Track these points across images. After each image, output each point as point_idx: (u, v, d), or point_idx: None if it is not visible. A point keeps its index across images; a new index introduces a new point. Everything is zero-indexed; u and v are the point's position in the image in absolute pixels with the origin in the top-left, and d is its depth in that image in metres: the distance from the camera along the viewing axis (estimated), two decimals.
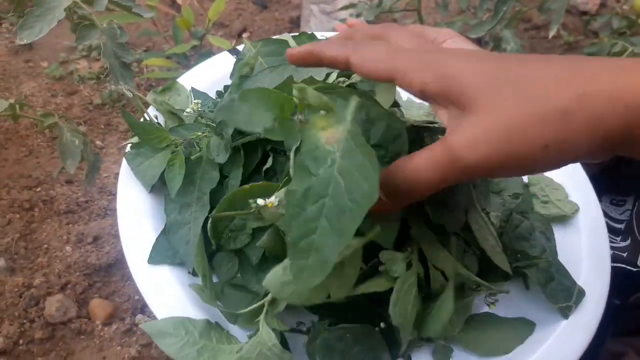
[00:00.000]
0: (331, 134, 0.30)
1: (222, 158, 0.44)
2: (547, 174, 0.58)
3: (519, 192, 0.56)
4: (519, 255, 0.49)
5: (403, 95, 0.62)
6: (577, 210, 0.57)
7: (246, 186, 0.41)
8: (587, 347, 0.47)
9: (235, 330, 0.43)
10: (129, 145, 0.50)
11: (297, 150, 0.34)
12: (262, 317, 0.40)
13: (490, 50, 1.40)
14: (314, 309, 0.44)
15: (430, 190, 0.32)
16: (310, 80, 0.45)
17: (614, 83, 0.28)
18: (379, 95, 0.42)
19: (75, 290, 1.01)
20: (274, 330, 0.39)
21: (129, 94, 0.54)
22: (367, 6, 1.15)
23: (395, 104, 0.47)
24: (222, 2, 1.13)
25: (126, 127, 1.38)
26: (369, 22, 1.13)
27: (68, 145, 0.72)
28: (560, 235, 0.55)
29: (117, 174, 0.51)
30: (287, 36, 0.58)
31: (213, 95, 0.57)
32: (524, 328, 0.48)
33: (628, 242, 0.68)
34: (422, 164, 0.32)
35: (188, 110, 0.51)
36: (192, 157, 0.46)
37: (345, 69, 0.37)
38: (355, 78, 0.52)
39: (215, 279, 0.46)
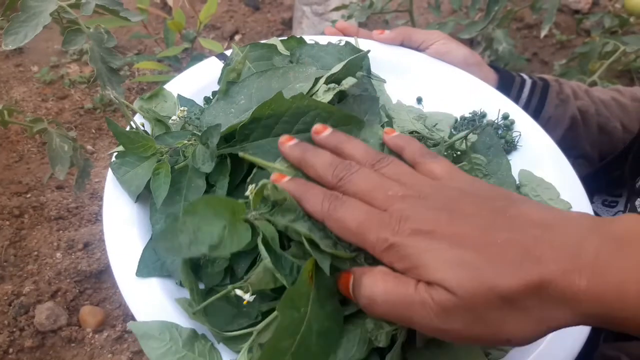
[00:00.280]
0: None
1: (207, 167, 0.43)
2: (538, 173, 0.58)
3: None
4: None
5: (393, 98, 0.62)
6: (569, 208, 0.56)
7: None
8: (579, 353, 0.46)
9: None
10: (115, 154, 0.49)
11: None
12: (246, 346, 0.39)
13: (482, 51, 1.40)
14: None
15: None
16: (300, 97, 0.44)
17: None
18: None
19: (65, 298, 1.00)
20: None
21: (116, 100, 0.53)
22: (359, 7, 1.14)
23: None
24: (214, 4, 1.12)
25: None
26: (360, 23, 1.12)
27: (57, 151, 0.71)
28: None
29: None
30: (275, 40, 0.58)
31: (201, 101, 0.56)
32: None
33: None
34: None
35: (174, 117, 0.50)
36: (177, 167, 0.45)
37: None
38: (344, 85, 0.51)
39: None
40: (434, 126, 0.60)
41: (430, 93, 0.64)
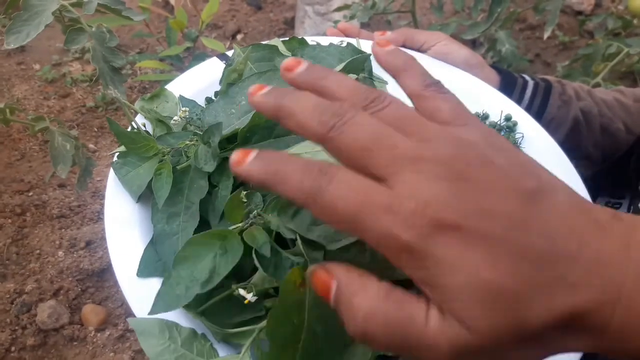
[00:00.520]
0: None
1: (210, 167, 0.43)
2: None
3: None
4: None
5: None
6: None
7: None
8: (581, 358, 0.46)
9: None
10: (117, 154, 0.49)
11: None
12: (247, 343, 0.39)
13: (485, 52, 1.40)
14: None
15: None
16: None
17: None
18: None
19: (67, 296, 1.00)
20: None
21: (120, 98, 0.53)
22: (362, 7, 1.14)
23: None
24: (216, 3, 1.12)
25: None
26: (363, 23, 1.12)
27: (59, 149, 0.71)
28: None
29: None
30: (277, 41, 0.57)
31: (203, 101, 0.56)
32: None
33: None
34: None
35: (175, 118, 0.50)
36: (179, 167, 0.45)
37: None
38: None
39: None
40: None
41: None
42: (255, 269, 0.42)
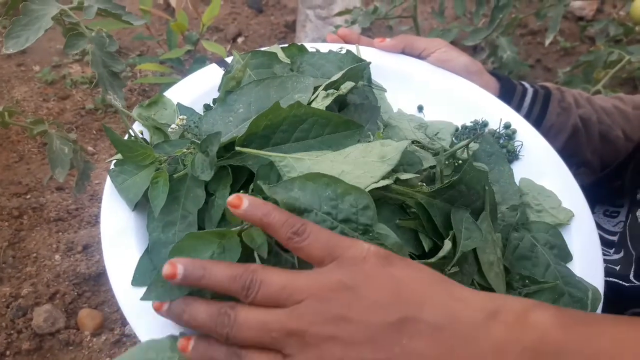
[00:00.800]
0: None
1: (206, 175, 0.43)
2: (540, 183, 0.57)
3: (516, 203, 0.54)
4: (526, 281, 0.48)
5: (394, 107, 0.61)
6: (572, 217, 0.55)
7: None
8: None
9: None
10: (114, 162, 0.49)
11: None
12: None
13: (485, 57, 1.39)
14: None
15: None
16: (297, 105, 0.44)
17: None
18: None
19: (64, 300, 1.00)
20: None
21: (117, 105, 0.53)
22: (363, 12, 1.14)
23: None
24: (217, 6, 1.12)
25: None
26: (364, 29, 1.12)
27: (58, 153, 0.70)
28: None
29: None
30: (276, 48, 0.57)
31: (201, 109, 0.56)
32: None
33: (621, 254, 0.66)
34: None
35: (173, 126, 0.50)
36: (175, 175, 0.45)
37: None
38: (343, 90, 0.50)
39: None
40: (435, 135, 0.59)
41: (432, 101, 0.63)
42: None
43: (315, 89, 0.51)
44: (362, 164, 0.43)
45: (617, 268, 0.65)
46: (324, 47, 0.61)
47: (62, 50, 1.59)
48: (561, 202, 0.56)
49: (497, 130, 0.61)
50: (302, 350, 0.33)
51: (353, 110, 0.52)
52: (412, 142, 0.56)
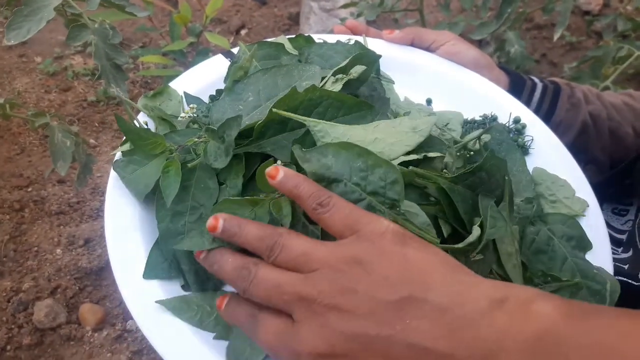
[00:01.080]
0: None
1: (221, 163, 0.42)
2: (552, 170, 0.56)
3: (530, 195, 0.53)
4: (548, 278, 0.47)
5: (400, 95, 0.60)
6: (587, 207, 0.54)
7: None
8: None
9: None
10: (118, 153, 0.48)
11: None
12: None
13: (493, 52, 1.38)
14: None
15: None
16: (312, 89, 0.43)
17: None
18: None
19: (65, 295, 0.99)
20: None
21: (122, 96, 0.52)
22: (368, 5, 1.12)
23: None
24: None
25: None
26: (369, 21, 1.11)
27: (59, 146, 0.69)
28: None
29: None
30: (283, 39, 0.56)
31: (207, 99, 0.55)
32: None
33: (630, 253, 0.65)
34: None
35: (182, 115, 0.49)
36: (190, 165, 0.44)
37: None
38: (353, 73, 0.49)
39: None
40: (445, 125, 0.58)
41: (440, 94, 0.62)
42: None
43: (323, 80, 0.50)
44: (394, 133, 0.43)
45: (626, 267, 0.64)
46: (331, 38, 0.60)
47: (64, 41, 1.58)
48: (575, 192, 0.55)
49: (507, 125, 0.60)
50: (308, 317, 0.34)
51: None
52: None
